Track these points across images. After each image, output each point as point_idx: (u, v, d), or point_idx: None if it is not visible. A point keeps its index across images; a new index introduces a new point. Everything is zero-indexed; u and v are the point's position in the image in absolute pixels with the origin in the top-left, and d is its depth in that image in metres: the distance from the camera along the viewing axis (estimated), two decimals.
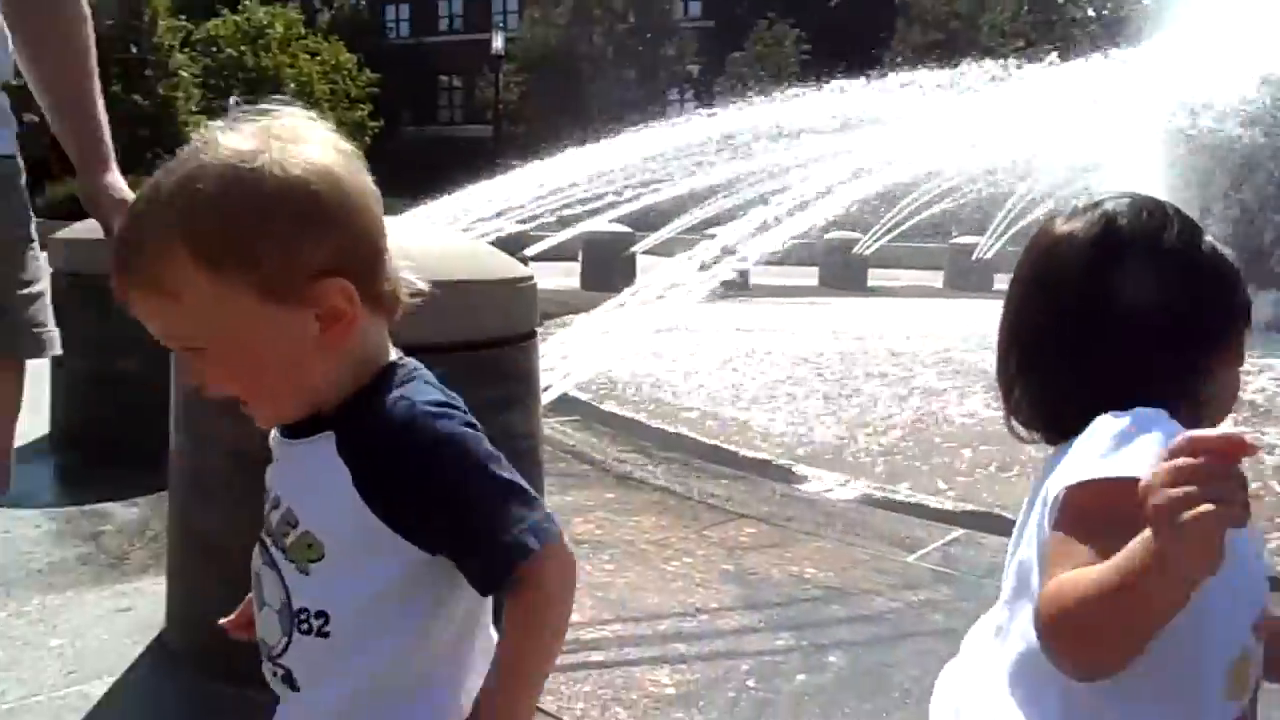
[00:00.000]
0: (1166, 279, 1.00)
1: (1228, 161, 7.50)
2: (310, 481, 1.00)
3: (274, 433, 1.08)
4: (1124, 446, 0.89)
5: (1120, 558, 0.78)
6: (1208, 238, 1.05)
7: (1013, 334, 1.08)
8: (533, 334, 2.50)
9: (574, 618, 2.73)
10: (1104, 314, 1.00)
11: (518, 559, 0.92)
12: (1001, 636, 1.01)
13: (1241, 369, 1.07)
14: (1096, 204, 1.05)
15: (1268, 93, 7.13)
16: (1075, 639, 0.84)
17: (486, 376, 2.31)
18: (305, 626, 0.99)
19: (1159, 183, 8.31)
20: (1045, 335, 1.04)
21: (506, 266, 2.41)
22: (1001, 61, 11.27)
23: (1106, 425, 0.92)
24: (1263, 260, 7.49)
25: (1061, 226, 1.05)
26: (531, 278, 2.48)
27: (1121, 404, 0.94)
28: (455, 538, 0.95)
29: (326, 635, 0.98)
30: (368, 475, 0.95)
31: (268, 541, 1.05)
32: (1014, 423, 1.09)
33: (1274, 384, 5.85)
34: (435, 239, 2.42)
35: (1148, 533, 0.74)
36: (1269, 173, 7.35)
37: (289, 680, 1.02)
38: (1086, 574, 0.81)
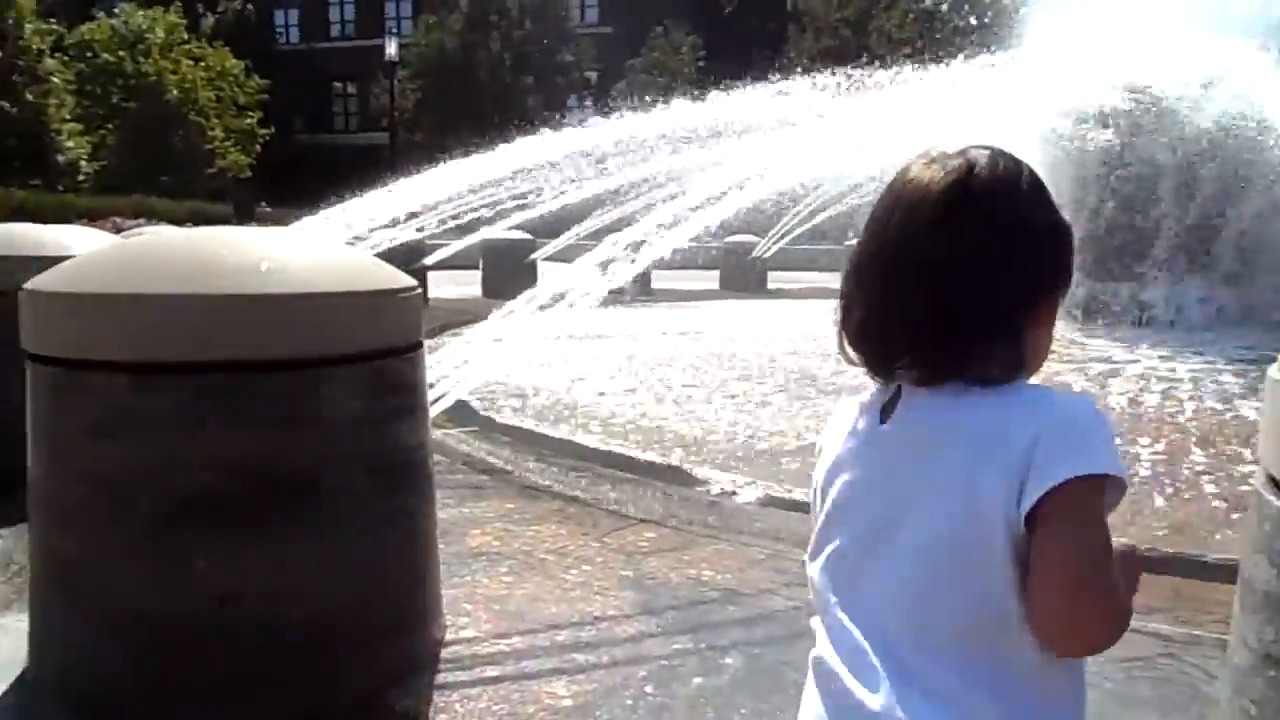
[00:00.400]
0: (1016, 230, 1.02)
1: (1089, 162, 7.86)
2: None
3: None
4: (1111, 444, 0.96)
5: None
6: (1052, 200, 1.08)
7: (860, 264, 1.07)
8: (419, 344, 2.45)
9: (469, 633, 2.69)
10: (952, 258, 1.00)
11: None
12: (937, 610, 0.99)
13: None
14: (961, 151, 1.06)
15: (1127, 97, 7.49)
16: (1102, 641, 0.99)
17: (371, 388, 2.26)
18: None
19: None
20: (885, 268, 1.04)
21: (389, 277, 2.35)
22: (893, 69, 11.56)
23: (1096, 418, 0.97)
24: (1122, 255, 7.88)
25: (922, 170, 1.05)
26: (416, 287, 2.43)
27: (957, 346, 0.99)
28: None
29: None
30: None
31: None
32: (846, 347, 1.08)
33: (1132, 374, 6.13)
34: (316, 250, 2.35)
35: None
36: (1127, 173, 7.73)
37: None
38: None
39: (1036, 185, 1.06)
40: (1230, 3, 8.64)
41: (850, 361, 1.08)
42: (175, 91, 33.18)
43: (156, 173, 31.34)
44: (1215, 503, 3.80)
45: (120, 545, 2.06)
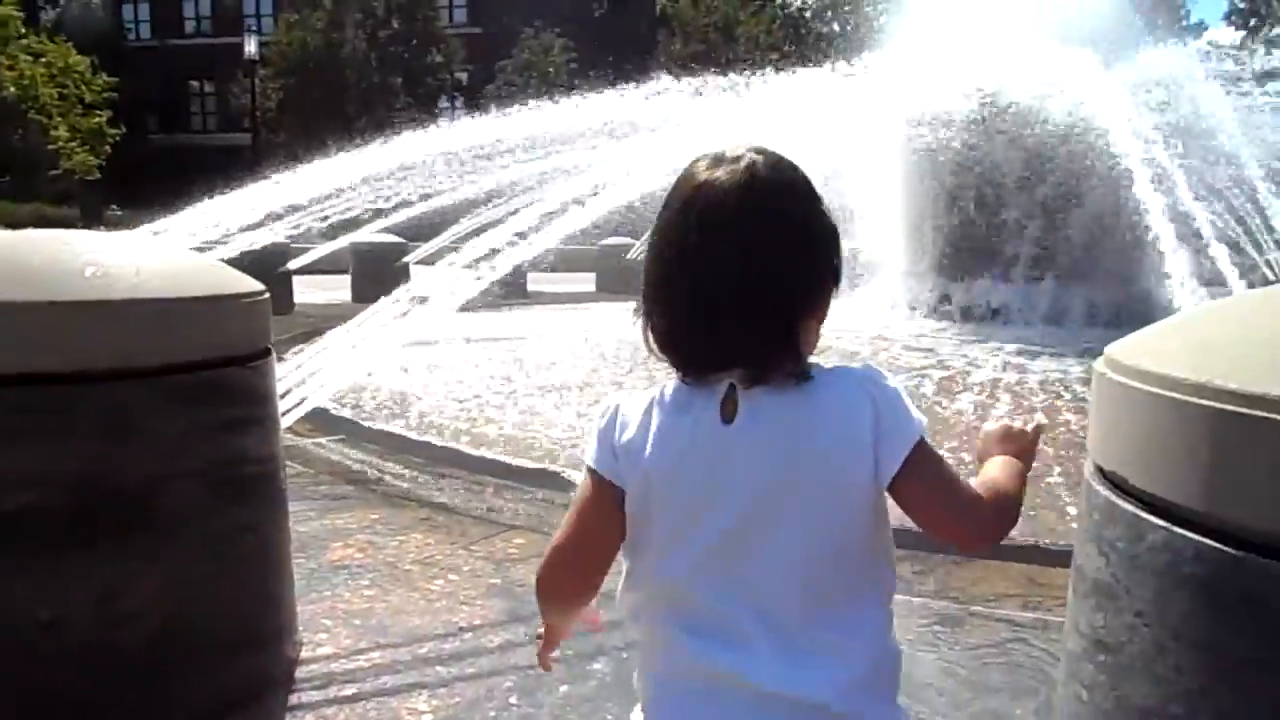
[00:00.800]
0: (806, 230, 1.09)
1: (946, 167, 8.19)
2: None
3: None
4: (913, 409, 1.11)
5: (1012, 471, 1.20)
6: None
7: (661, 272, 1.11)
8: (267, 352, 2.33)
9: (327, 649, 2.58)
10: (752, 261, 1.05)
11: None
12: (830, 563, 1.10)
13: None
14: (738, 156, 1.09)
15: (979, 103, 7.84)
16: (1009, 523, 1.15)
17: (215, 398, 2.14)
18: None
19: (893, 187, 8.98)
20: (690, 282, 1.07)
21: (232, 282, 2.23)
22: (758, 73, 11.77)
23: (900, 395, 1.10)
24: (977, 255, 8.25)
25: (707, 172, 1.09)
26: (262, 292, 2.31)
27: (772, 345, 1.07)
28: None
29: None
30: None
31: None
32: (650, 342, 1.12)
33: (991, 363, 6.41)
34: (149, 255, 2.21)
35: (1004, 458, 1.23)
36: (981, 176, 8.09)
37: None
38: (997, 481, 1.18)
39: (812, 187, 1.12)
40: (1072, 14, 9.13)
41: (655, 355, 1.12)
42: (12, 88, 31.09)
43: None
44: (1062, 492, 3.99)
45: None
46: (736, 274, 1.05)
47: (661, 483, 1.10)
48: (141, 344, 1.95)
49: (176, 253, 2.35)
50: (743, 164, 1.08)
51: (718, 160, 1.09)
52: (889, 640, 1.14)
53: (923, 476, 1.09)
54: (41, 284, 1.93)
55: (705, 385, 1.09)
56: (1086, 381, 5.73)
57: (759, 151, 1.10)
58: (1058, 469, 4.27)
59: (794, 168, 1.11)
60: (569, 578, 1.18)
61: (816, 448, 1.06)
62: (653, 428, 1.11)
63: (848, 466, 1.07)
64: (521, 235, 6.55)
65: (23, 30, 33.49)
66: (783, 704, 1.05)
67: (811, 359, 1.11)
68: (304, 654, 2.51)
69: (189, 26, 48.02)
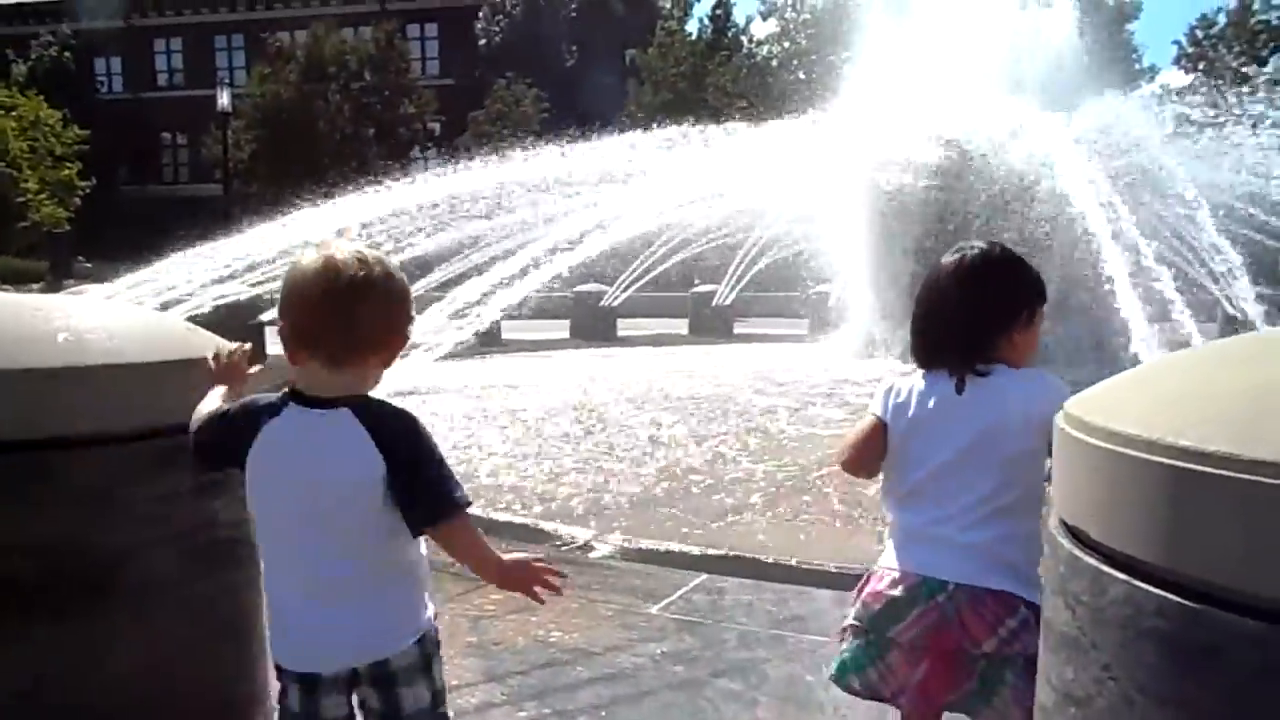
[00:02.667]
0: (1012, 282, 1.92)
1: (917, 213, 8.32)
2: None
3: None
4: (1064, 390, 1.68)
5: None
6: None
7: (949, 310, 1.90)
8: None
9: None
10: (979, 301, 1.88)
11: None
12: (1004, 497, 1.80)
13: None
14: (972, 245, 1.95)
15: (949, 152, 8.00)
16: None
17: (186, 462, 2.12)
18: None
19: (861, 231, 9.11)
20: (976, 308, 1.88)
21: (203, 343, 2.23)
22: (725, 123, 11.96)
23: (1054, 380, 1.81)
24: None
25: (960, 257, 1.93)
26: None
27: (984, 350, 1.86)
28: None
29: None
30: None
31: None
32: (911, 350, 1.96)
33: None
34: (121, 318, 2.21)
35: None
36: (952, 221, 8.22)
37: None
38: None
39: (1014, 258, 1.96)
40: (1026, 62, 9.37)
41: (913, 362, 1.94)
42: None
43: None
44: None
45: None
46: (953, 311, 1.89)
47: (913, 427, 1.86)
48: (116, 409, 1.95)
49: (148, 315, 2.36)
50: (973, 250, 1.93)
51: (960, 248, 1.95)
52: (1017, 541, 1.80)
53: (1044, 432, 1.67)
54: (14, 351, 1.93)
55: (937, 374, 1.88)
56: None
57: (980, 243, 1.96)
58: None
59: (1003, 250, 1.95)
60: (856, 466, 1.96)
61: (1004, 407, 1.80)
62: (914, 394, 1.88)
63: (1011, 430, 1.78)
64: (503, 283, 6.58)
65: None
66: (971, 550, 1.77)
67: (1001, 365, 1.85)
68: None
69: (161, 79, 48.17)
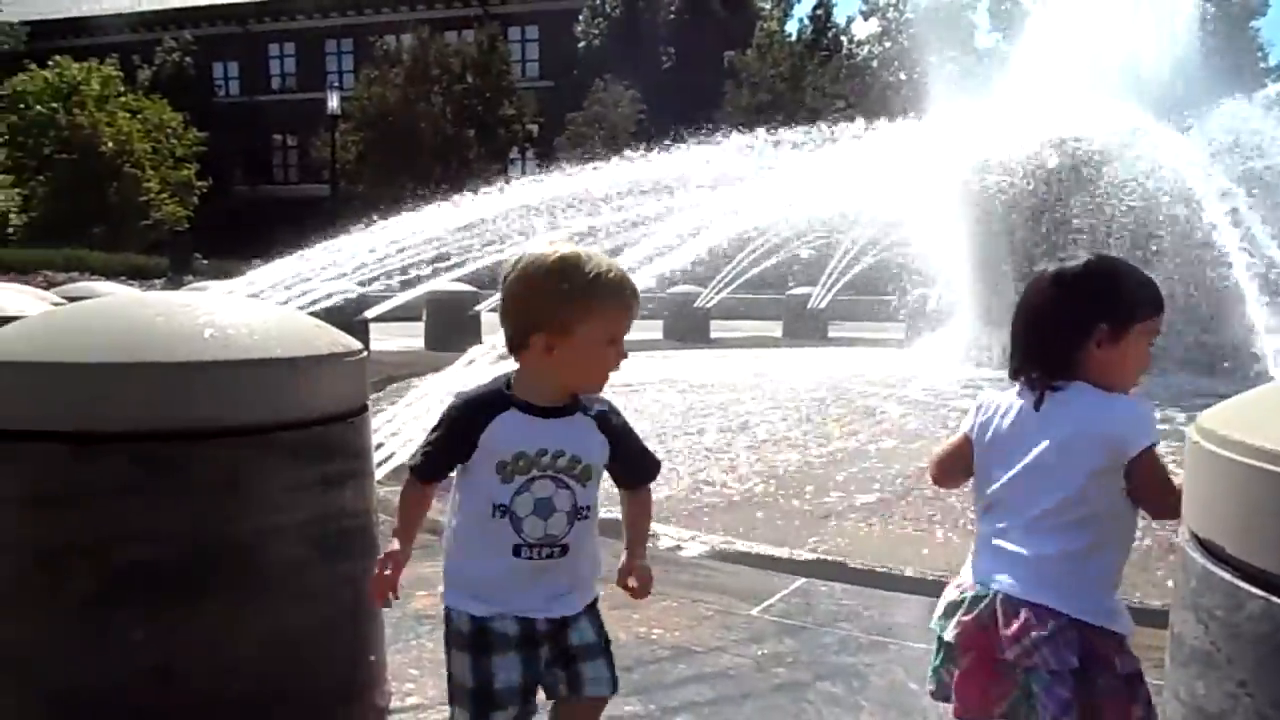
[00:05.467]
0: (1090, 294, 1.85)
1: (1012, 213, 8.12)
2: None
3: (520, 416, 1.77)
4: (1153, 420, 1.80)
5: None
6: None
7: (1032, 321, 1.89)
8: (364, 408, 2.43)
9: (414, 700, 2.65)
10: (1057, 314, 1.85)
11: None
12: (1072, 519, 1.78)
13: None
14: (1073, 257, 1.90)
15: (1061, 155, 7.78)
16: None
17: (314, 455, 2.23)
18: (583, 516, 1.79)
19: (965, 234, 8.93)
20: (1052, 322, 1.86)
21: (333, 341, 2.34)
22: (825, 125, 11.84)
23: (1135, 404, 1.82)
24: None
25: (1054, 269, 1.90)
26: (361, 351, 2.42)
27: (1066, 365, 1.84)
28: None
29: (588, 519, 1.80)
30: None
31: (559, 475, 1.76)
32: (1017, 371, 1.91)
33: None
34: (258, 315, 2.33)
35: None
36: (1049, 221, 8.00)
37: (564, 551, 1.78)
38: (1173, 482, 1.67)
39: (1106, 270, 1.89)
40: (1147, 64, 9.05)
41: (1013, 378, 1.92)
42: (110, 144, 32.66)
43: (89, 225, 30.73)
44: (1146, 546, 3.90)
45: (56, 621, 2.01)
46: (1036, 323, 1.89)
47: (994, 441, 1.88)
48: (255, 403, 2.07)
49: (280, 312, 2.48)
50: (1064, 260, 1.92)
51: (1060, 258, 1.94)
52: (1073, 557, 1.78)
53: (1148, 472, 1.73)
54: (164, 346, 2.06)
55: (1023, 388, 1.87)
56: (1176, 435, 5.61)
57: (1081, 256, 1.91)
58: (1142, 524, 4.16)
59: (1073, 268, 1.87)
60: (941, 478, 2.03)
61: (1064, 434, 1.78)
62: (999, 408, 1.89)
63: (1077, 449, 1.76)
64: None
65: (122, 89, 35.26)
66: (1022, 560, 1.78)
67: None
68: (393, 704, 2.58)
69: (275, 83, 50.03)
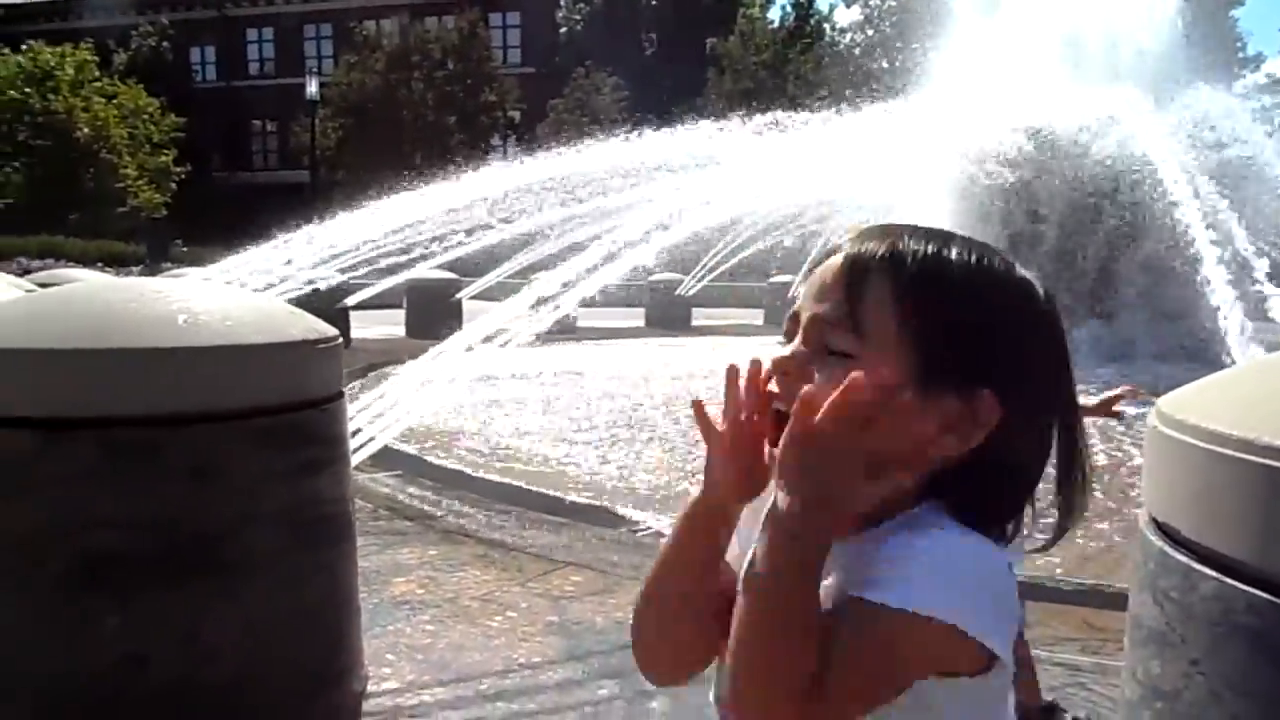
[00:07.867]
0: None
1: (995, 201, 8.17)
2: None
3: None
4: None
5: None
6: None
7: None
8: (339, 395, 2.43)
9: (391, 684, 2.66)
10: None
11: None
12: None
13: None
14: None
15: (1029, 140, 7.82)
16: None
17: (289, 441, 2.23)
18: None
19: (945, 221, 8.97)
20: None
21: (308, 328, 2.34)
22: (805, 112, 11.85)
23: None
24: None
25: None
26: (336, 338, 2.42)
27: None
28: None
29: None
30: None
31: None
32: None
33: None
34: (231, 301, 2.33)
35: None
36: (1027, 209, 8.05)
37: None
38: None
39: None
40: (1123, 50, 9.11)
41: None
42: (86, 129, 32.26)
43: (64, 211, 30.37)
44: (1117, 537, 3.95)
45: (27, 607, 2.00)
46: None
47: None
48: (228, 389, 2.06)
49: (254, 299, 2.48)
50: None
51: None
52: None
53: None
54: (135, 332, 2.05)
55: None
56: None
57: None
58: (1112, 513, 4.23)
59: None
60: None
61: None
62: None
63: None
64: (586, 273, 6.64)
65: (97, 74, 34.81)
66: None
67: None
68: (369, 688, 2.59)
69: (253, 68, 49.54)
